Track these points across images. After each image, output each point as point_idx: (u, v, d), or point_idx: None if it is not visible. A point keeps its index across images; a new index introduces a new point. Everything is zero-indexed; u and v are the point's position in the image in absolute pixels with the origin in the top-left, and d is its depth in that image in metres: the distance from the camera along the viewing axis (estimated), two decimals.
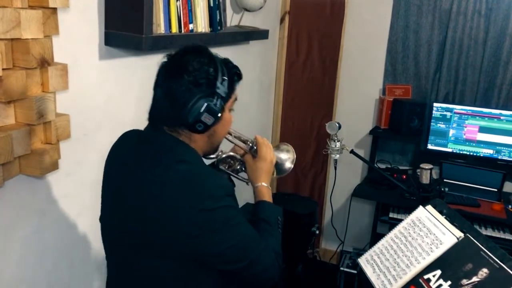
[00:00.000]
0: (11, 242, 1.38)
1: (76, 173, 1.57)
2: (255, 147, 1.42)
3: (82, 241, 1.66)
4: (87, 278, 1.73)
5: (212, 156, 1.37)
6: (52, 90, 1.32)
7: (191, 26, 1.88)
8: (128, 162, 1.21)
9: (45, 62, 1.28)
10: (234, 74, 1.21)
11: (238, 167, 1.50)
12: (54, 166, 1.38)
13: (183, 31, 1.82)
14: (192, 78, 1.11)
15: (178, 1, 1.78)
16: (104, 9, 1.57)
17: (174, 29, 1.78)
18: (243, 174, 1.49)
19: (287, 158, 1.52)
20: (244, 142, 1.42)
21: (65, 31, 1.41)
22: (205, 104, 1.12)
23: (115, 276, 1.29)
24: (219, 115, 1.16)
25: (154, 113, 1.21)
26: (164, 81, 1.15)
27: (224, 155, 1.43)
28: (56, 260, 1.56)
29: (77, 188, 1.59)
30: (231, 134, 1.38)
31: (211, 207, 1.08)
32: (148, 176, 1.13)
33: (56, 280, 1.58)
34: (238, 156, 1.46)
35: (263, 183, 1.37)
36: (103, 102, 1.65)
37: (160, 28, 1.70)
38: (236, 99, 1.25)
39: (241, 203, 1.35)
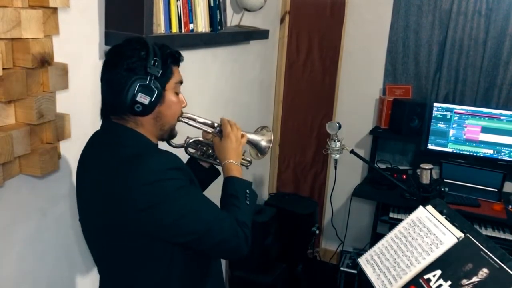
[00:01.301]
0: (11, 242, 1.38)
1: None
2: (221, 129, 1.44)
3: (82, 241, 1.65)
4: (87, 278, 1.73)
5: (176, 142, 1.42)
6: (52, 89, 1.32)
7: (191, 26, 1.88)
8: (85, 159, 1.28)
9: (45, 62, 1.28)
10: (168, 55, 1.24)
11: (210, 152, 1.52)
12: (55, 166, 1.38)
13: (183, 31, 1.83)
14: (126, 66, 1.17)
15: (179, 1, 1.78)
16: (105, 9, 1.57)
17: (175, 29, 1.78)
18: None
19: (262, 138, 1.51)
20: (211, 126, 1.44)
21: (65, 30, 1.41)
22: (138, 84, 1.17)
23: (103, 271, 1.34)
24: (156, 93, 1.19)
25: (102, 106, 1.26)
26: (104, 74, 1.21)
27: (191, 140, 1.48)
28: (56, 260, 1.56)
29: None
30: (195, 120, 1.40)
31: (153, 180, 1.12)
32: (97, 166, 1.20)
33: (56, 280, 1.58)
34: (205, 140, 1.49)
35: (231, 161, 1.37)
36: None
37: (160, 28, 1.70)
38: (181, 82, 1.29)
39: None
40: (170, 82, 1.24)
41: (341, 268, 3.12)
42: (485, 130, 2.91)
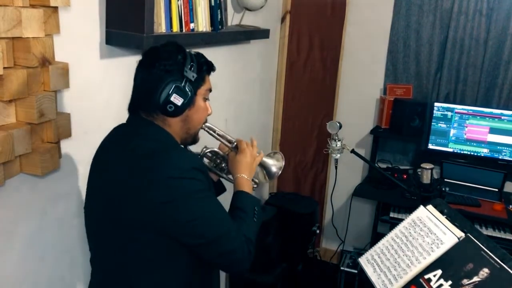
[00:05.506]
0: (12, 241, 1.38)
1: (77, 172, 1.57)
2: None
3: (83, 240, 1.66)
4: (88, 277, 1.73)
5: (193, 150, 1.44)
6: (53, 89, 1.32)
7: (192, 25, 1.88)
8: (107, 149, 1.31)
9: (46, 61, 1.28)
10: (203, 63, 1.30)
11: (223, 165, 1.56)
12: (55, 165, 1.38)
13: (184, 30, 1.82)
14: (162, 67, 1.22)
15: (179, 0, 1.78)
16: (105, 8, 1.57)
17: (175, 28, 1.78)
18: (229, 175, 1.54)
19: (274, 163, 1.56)
20: (229, 141, 1.49)
21: (66, 30, 1.41)
22: (174, 86, 1.21)
23: (97, 261, 1.35)
24: (189, 96, 1.24)
25: (132, 102, 1.31)
26: (139, 73, 1.26)
27: (207, 150, 1.53)
28: (57, 259, 1.56)
29: (78, 187, 1.59)
30: (214, 131, 1.45)
31: (178, 175, 1.14)
32: (120, 154, 1.23)
33: (57, 279, 1.58)
34: (221, 153, 1.54)
35: (243, 175, 1.41)
36: (104, 101, 1.65)
37: (161, 27, 1.70)
38: (210, 90, 1.34)
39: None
40: (202, 88, 1.30)
41: (342, 268, 3.12)
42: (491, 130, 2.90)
